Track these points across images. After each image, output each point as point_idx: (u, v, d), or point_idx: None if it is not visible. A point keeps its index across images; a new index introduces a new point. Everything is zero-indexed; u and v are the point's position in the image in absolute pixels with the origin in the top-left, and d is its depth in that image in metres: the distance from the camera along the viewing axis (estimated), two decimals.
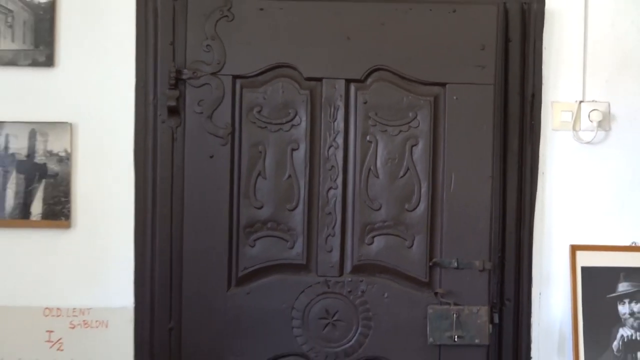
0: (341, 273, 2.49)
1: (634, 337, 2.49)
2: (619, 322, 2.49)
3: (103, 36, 2.53)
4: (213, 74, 2.45)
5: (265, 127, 2.48)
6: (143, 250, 2.53)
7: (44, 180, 2.51)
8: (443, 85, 2.47)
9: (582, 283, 2.50)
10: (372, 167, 2.48)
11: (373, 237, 2.48)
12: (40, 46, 2.51)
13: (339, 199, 2.48)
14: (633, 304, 2.51)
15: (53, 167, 2.51)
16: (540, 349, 2.58)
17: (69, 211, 2.51)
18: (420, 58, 2.46)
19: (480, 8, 2.46)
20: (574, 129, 2.56)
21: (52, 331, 2.52)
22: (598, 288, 2.50)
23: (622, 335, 2.49)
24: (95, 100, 2.53)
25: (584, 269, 2.51)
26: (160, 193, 2.52)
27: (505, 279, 2.55)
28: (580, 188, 2.58)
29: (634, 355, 2.48)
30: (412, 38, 2.46)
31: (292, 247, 2.48)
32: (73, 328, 2.52)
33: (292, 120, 2.48)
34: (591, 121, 2.55)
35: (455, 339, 2.43)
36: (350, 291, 2.48)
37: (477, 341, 2.43)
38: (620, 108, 2.58)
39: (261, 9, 2.45)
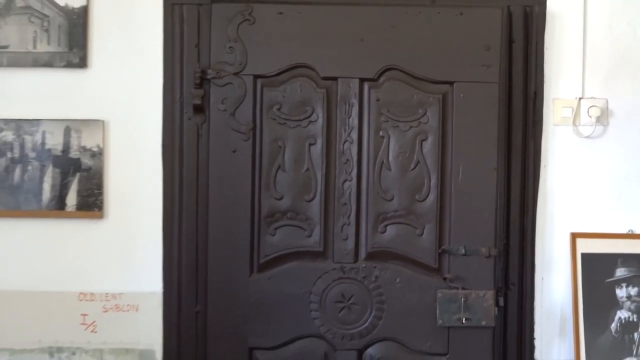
0: (356, 260, 2.51)
1: (631, 319, 2.50)
2: (616, 305, 2.51)
3: (132, 39, 2.55)
4: (235, 74, 2.48)
5: (285, 123, 2.50)
6: (171, 239, 2.55)
7: (78, 174, 2.54)
8: (451, 83, 2.48)
9: (582, 268, 2.52)
10: (384, 161, 2.50)
11: (386, 226, 2.51)
12: (74, 49, 2.53)
13: (354, 190, 2.50)
14: (630, 288, 2.51)
15: (86, 161, 2.54)
16: (542, 330, 2.58)
17: (101, 202, 2.54)
18: (429, 58, 2.47)
19: (486, 11, 2.48)
20: (574, 124, 2.57)
21: (86, 314, 2.56)
22: (597, 273, 2.52)
23: (619, 317, 2.50)
24: (126, 99, 2.55)
25: (583, 255, 2.53)
26: (186, 185, 2.54)
27: (509, 265, 2.56)
28: (580, 179, 2.58)
29: (631, 335, 2.49)
30: (421, 39, 2.47)
31: (309, 236, 2.51)
32: (106, 312, 2.56)
33: (309, 117, 2.50)
34: (590, 117, 2.56)
35: (463, 321, 2.45)
36: (364, 277, 2.51)
37: (483, 323, 2.46)
38: (617, 104, 2.58)
39: (280, 13, 2.47)
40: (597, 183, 2.60)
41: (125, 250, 2.58)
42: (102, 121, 2.56)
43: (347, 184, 2.52)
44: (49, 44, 2.55)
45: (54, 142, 2.55)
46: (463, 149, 2.49)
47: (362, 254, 2.53)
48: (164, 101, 2.57)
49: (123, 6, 2.57)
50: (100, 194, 2.56)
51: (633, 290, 2.53)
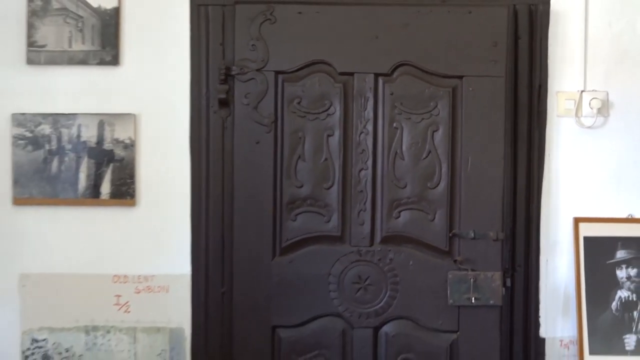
0: (372, 243, 2.58)
1: (630, 298, 2.56)
2: (617, 285, 2.57)
3: (162, 38, 2.63)
4: (258, 70, 2.55)
5: (304, 116, 2.57)
6: (199, 225, 2.63)
7: (111, 164, 2.62)
8: (460, 77, 2.54)
9: (584, 251, 2.58)
10: (398, 151, 2.57)
11: (400, 211, 2.57)
12: (106, 47, 2.62)
13: (369, 178, 2.57)
14: (630, 269, 2.58)
15: (119, 152, 2.63)
16: (547, 309, 2.65)
17: (133, 191, 2.63)
18: (440, 54, 2.53)
19: (493, 9, 2.53)
20: (576, 115, 2.62)
21: (120, 295, 2.65)
22: (598, 255, 2.58)
23: (620, 297, 2.57)
24: (155, 94, 2.63)
25: (586, 238, 2.58)
26: (212, 175, 2.62)
27: (516, 248, 2.62)
28: (582, 167, 2.64)
29: (630, 314, 2.56)
30: (432, 36, 2.53)
31: (328, 221, 2.58)
32: (138, 293, 2.65)
33: (327, 110, 2.57)
34: (591, 108, 2.61)
35: (473, 301, 2.52)
36: (379, 259, 2.58)
37: (491, 302, 2.52)
38: (617, 97, 2.63)
39: (300, 13, 2.54)
40: (598, 171, 2.65)
41: (156, 235, 2.66)
42: (134, 115, 2.64)
43: (363, 172, 2.58)
44: (83, 43, 2.64)
45: (89, 134, 2.64)
46: (472, 139, 2.55)
47: (378, 238, 2.60)
48: (191, 96, 2.64)
49: (152, 7, 2.65)
50: (133, 182, 2.64)
51: (632, 271, 2.59)
